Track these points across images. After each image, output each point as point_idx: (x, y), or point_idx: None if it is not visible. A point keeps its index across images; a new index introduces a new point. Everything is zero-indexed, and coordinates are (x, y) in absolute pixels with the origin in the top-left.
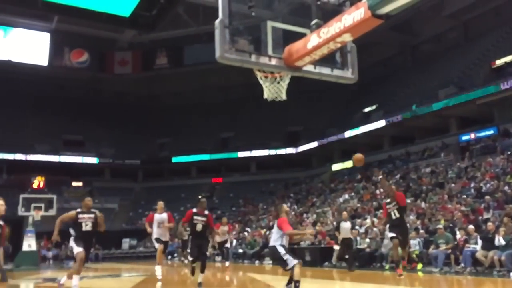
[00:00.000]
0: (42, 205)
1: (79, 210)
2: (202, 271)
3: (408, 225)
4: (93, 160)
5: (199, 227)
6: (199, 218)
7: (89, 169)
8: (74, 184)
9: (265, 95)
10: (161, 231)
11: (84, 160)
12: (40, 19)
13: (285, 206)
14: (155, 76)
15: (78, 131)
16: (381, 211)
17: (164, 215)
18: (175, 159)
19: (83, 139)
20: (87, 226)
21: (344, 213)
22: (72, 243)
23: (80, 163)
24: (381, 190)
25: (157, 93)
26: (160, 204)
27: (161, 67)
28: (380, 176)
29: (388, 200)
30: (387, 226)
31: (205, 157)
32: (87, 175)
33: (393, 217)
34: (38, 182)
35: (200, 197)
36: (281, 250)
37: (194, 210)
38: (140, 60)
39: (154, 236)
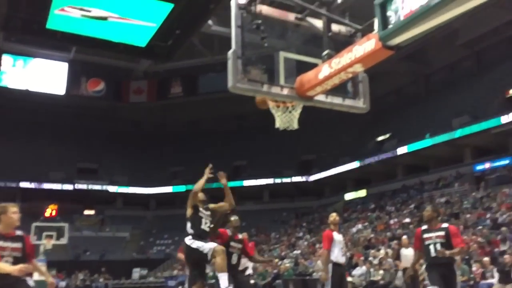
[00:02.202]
0: (54, 234)
1: None
2: None
3: None
4: (106, 188)
5: (234, 258)
6: (234, 244)
7: (102, 197)
8: (86, 212)
9: (277, 125)
10: None
11: (97, 188)
12: (58, 50)
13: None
14: (169, 104)
15: (92, 159)
16: (395, 241)
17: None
18: (188, 187)
19: (97, 167)
20: None
21: (404, 238)
22: None
23: (93, 191)
24: (395, 220)
25: (171, 122)
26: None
27: (176, 95)
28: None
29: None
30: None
31: (218, 185)
32: (100, 203)
33: (432, 253)
34: (50, 210)
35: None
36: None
37: (229, 232)
38: (155, 89)
39: None
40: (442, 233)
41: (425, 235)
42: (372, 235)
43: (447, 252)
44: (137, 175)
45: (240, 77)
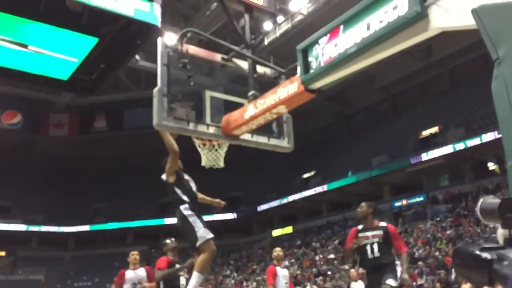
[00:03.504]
0: None
1: None
2: None
3: None
4: (19, 227)
5: (183, 282)
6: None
7: (14, 236)
8: None
9: (203, 163)
10: None
11: (9, 228)
12: None
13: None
14: (92, 139)
15: (5, 196)
16: (320, 278)
17: (141, 271)
18: (110, 225)
19: (10, 205)
20: None
21: (353, 271)
22: None
23: (4, 231)
24: (320, 256)
25: (94, 157)
26: (134, 255)
27: (100, 130)
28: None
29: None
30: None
31: (143, 223)
32: (12, 244)
33: (369, 255)
34: None
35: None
36: None
37: (170, 256)
38: (77, 122)
39: None
40: (379, 232)
41: (361, 235)
42: (298, 272)
43: (405, 277)
44: (55, 213)
45: (166, 115)
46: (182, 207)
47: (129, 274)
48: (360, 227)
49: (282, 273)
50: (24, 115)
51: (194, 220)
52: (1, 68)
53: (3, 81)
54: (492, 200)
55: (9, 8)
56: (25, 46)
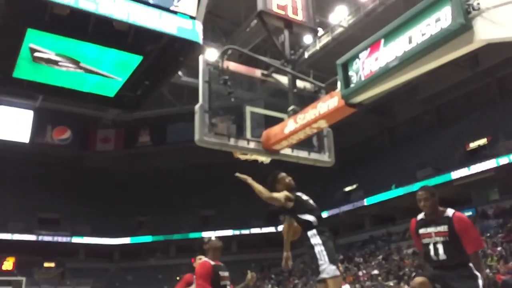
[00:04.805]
0: None
1: None
2: None
3: None
4: (68, 239)
5: None
6: (223, 274)
7: (63, 248)
8: (46, 265)
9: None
10: None
11: (58, 239)
12: (24, 97)
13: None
14: (137, 153)
15: (54, 208)
16: None
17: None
18: (154, 238)
19: (59, 217)
20: None
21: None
22: None
23: (54, 242)
24: (364, 271)
25: (138, 171)
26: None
27: (144, 144)
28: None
29: (420, 217)
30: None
31: (185, 236)
32: (61, 255)
33: (433, 256)
34: (8, 263)
35: (178, 278)
36: None
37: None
38: (122, 137)
39: None
40: (444, 227)
41: (421, 231)
42: None
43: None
44: (101, 225)
45: (207, 130)
46: (309, 234)
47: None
48: (419, 217)
49: None
50: (73, 131)
51: (320, 251)
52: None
53: (54, 99)
54: None
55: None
56: (77, 63)
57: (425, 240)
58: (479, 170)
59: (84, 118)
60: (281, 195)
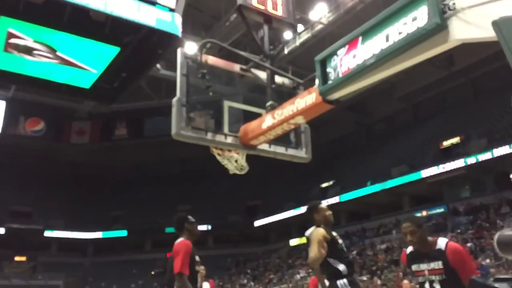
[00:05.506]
0: None
1: None
2: None
3: None
4: (40, 232)
5: None
6: None
7: (35, 242)
8: (17, 258)
9: (230, 171)
10: None
11: (29, 232)
12: None
13: None
14: (113, 147)
15: (26, 201)
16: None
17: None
18: (128, 232)
19: (31, 210)
20: None
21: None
22: None
23: (26, 236)
24: None
25: (114, 164)
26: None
27: (121, 138)
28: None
29: (410, 250)
30: None
31: (162, 231)
32: (33, 249)
33: None
34: None
35: (152, 273)
36: None
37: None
38: (98, 130)
39: None
40: (438, 263)
41: (414, 267)
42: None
43: None
44: (75, 219)
45: (184, 124)
46: (339, 284)
47: None
48: (409, 249)
49: None
50: (47, 123)
51: None
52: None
53: (28, 89)
54: (509, 233)
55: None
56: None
57: (420, 279)
58: (451, 168)
59: (58, 109)
60: (320, 252)
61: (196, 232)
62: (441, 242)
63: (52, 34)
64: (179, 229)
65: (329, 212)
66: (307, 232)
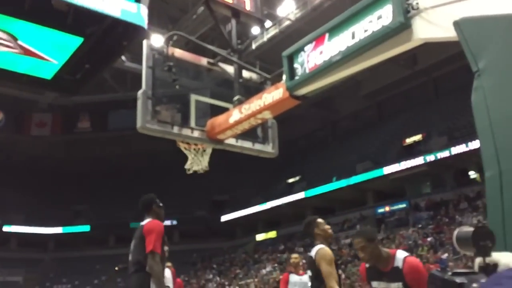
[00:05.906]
0: None
1: None
2: None
3: None
4: None
5: None
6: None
7: None
8: None
9: (187, 166)
10: None
11: None
12: None
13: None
14: (75, 139)
15: None
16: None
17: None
18: (91, 228)
19: None
20: None
21: None
22: None
23: None
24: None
25: (76, 158)
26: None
27: (84, 130)
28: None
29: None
30: None
31: (125, 225)
32: None
33: None
34: None
35: (116, 268)
36: None
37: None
38: (60, 122)
39: None
40: (397, 284)
41: (374, 285)
42: (281, 277)
43: None
44: (35, 214)
45: (150, 117)
46: None
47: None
48: (368, 265)
49: (295, 280)
50: (7, 114)
51: None
52: None
53: None
54: (467, 229)
55: None
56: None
57: None
58: (412, 165)
59: (18, 100)
60: (332, 276)
61: (162, 217)
62: (399, 257)
63: (13, 22)
64: (147, 210)
65: (328, 227)
66: (312, 252)
